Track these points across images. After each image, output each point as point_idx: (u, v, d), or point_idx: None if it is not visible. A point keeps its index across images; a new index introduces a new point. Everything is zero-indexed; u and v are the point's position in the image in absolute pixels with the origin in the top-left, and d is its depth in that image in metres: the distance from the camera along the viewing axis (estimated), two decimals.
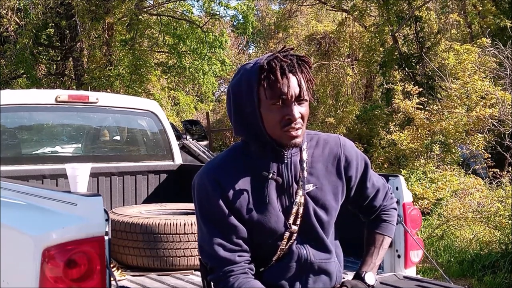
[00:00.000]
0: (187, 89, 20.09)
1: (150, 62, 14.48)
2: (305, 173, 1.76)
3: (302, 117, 1.68)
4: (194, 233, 3.15)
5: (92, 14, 12.30)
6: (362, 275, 1.86)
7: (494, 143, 7.94)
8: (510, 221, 5.68)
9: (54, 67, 16.28)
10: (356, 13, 12.83)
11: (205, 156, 7.70)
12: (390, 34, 11.87)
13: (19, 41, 12.39)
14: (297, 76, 1.65)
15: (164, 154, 4.39)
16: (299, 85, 1.65)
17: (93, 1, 12.32)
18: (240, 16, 15.93)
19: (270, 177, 1.72)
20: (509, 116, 7.73)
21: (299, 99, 1.66)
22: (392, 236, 2.00)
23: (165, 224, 3.16)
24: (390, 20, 11.68)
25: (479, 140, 8.01)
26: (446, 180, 7.29)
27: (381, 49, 12.54)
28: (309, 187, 1.76)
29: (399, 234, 2.83)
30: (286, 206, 1.74)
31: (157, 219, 3.22)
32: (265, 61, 1.65)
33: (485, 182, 7.76)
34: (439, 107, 8.57)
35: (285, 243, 1.75)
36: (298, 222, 1.75)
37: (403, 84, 10.19)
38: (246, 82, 1.68)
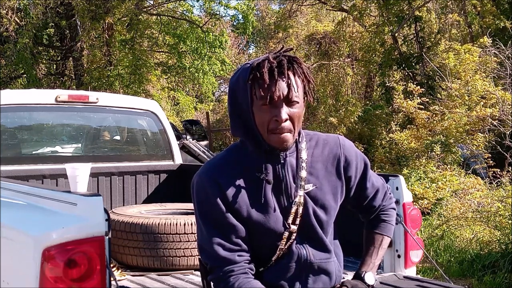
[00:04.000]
0: (187, 89, 20.09)
1: (150, 62, 14.49)
2: (305, 173, 1.76)
3: (292, 119, 1.67)
4: (194, 233, 3.15)
5: (92, 14, 12.30)
6: (362, 275, 1.86)
7: (494, 143, 7.94)
8: (510, 221, 5.68)
9: (54, 67, 16.29)
10: (356, 13, 12.82)
11: (205, 156, 7.69)
12: (390, 34, 11.87)
13: (19, 41, 12.39)
14: (287, 77, 1.65)
15: (164, 154, 4.39)
16: (288, 86, 1.65)
17: (93, 1, 12.32)
18: (240, 16, 15.94)
19: (262, 177, 1.72)
20: (509, 116, 7.73)
21: (288, 100, 1.66)
22: (391, 236, 2.00)
23: (165, 224, 3.16)
24: (390, 20, 11.68)
25: (479, 140, 8.01)
26: (446, 180, 7.29)
27: (381, 49, 12.54)
28: (309, 187, 1.76)
29: (399, 234, 2.83)
30: (285, 206, 1.75)
31: (157, 219, 3.22)
32: (256, 62, 1.67)
33: (485, 182, 7.76)
34: (440, 107, 8.57)
35: (284, 243, 1.75)
36: (297, 222, 1.75)
37: (404, 83, 10.19)
38: (242, 81, 1.70)
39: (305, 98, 1.73)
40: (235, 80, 1.73)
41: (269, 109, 1.65)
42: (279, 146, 1.69)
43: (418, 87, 9.01)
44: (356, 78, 16.96)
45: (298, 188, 1.75)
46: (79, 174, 3.33)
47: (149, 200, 4.13)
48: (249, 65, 1.70)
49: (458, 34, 14.55)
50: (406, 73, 11.74)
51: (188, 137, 8.73)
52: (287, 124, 1.67)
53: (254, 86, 1.66)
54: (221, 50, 15.74)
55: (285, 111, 1.65)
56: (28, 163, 3.78)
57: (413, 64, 11.67)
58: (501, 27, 10.83)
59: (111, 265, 2.69)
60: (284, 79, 1.65)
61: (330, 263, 1.81)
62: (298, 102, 1.68)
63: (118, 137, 4.70)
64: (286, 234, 1.74)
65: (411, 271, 2.89)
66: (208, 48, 14.81)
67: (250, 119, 1.69)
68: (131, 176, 4.12)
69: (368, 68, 14.14)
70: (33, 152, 4.14)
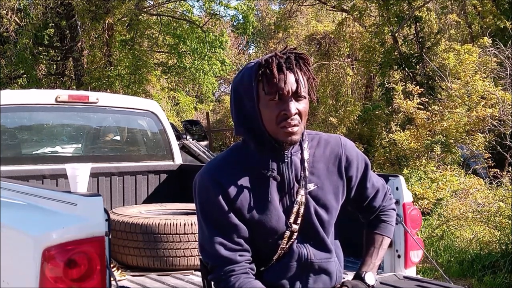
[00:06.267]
0: (187, 89, 20.09)
1: (150, 63, 14.48)
2: (307, 173, 1.76)
3: (300, 114, 1.68)
4: (194, 233, 3.15)
5: (92, 14, 12.31)
6: (362, 275, 1.86)
7: (494, 143, 7.94)
8: (510, 221, 5.68)
9: (54, 67, 16.29)
10: (356, 13, 12.83)
11: (205, 156, 7.71)
12: (390, 34, 11.88)
13: (19, 41, 12.40)
14: (294, 72, 1.66)
15: (164, 154, 4.39)
16: (297, 82, 1.66)
17: (93, 1, 12.32)
18: (240, 16, 15.94)
19: (269, 174, 1.72)
20: (509, 116, 7.73)
21: (296, 95, 1.67)
22: (391, 236, 2.00)
23: (165, 224, 3.16)
24: (390, 20, 11.68)
25: (479, 140, 8.01)
26: (446, 180, 7.29)
27: (381, 49, 12.54)
28: (311, 186, 1.77)
29: (399, 234, 2.83)
30: (287, 205, 1.75)
31: (157, 219, 3.22)
32: (264, 58, 1.67)
33: (485, 182, 7.75)
34: (440, 107, 8.58)
35: (285, 242, 1.75)
36: (298, 221, 1.75)
37: (403, 84, 10.19)
38: (246, 79, 1.70)
39: (309, 96, 1.74)
40: (239, 79, 1.73)
41: (277, 104, 1.66)
42: (287, 140, 1.68)
43: (418, 87, 9.01)
44: (356, 78, 16.97)
45: (300, 187, 1.75)
46: (79, 174, 3.33)
47: (149, 200, 4.13)
48: (253, 63, 1.71)
49: (458, 34, 14.55)
50: (406, 73, 11.74)
51: (188, 137, 8.75)
52: (296, 117, 1.67)
53: (262, 82, 1.66)
54: (221, 50, 15.74)
55: (294, 106, 1.66)
56: (28, 163, 3.78)
57: (413, 64, 11.68)
58: (501, 27, 10.83)
59: (111, 265, 2.69)
60: (292, 74, 1.66)
61: (331, 263, 1.81)
62: (305, 98, 1.69)
63: (118, 137, 4.70)
64: (288, 233, 1.74)
65: (411, 271, 2.89)
66: (208, 48, 14.81)
67: (254, 117, 1.69)
68: (131, 176, 4.12)
69: (368, 68, 14.14)
70: (33, 152, 4.14)
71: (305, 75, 1.69)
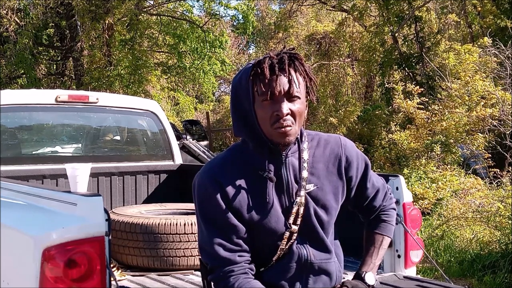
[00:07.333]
0: (187, 89, 20.09)
1: (150, 63, 14.47)
2: (306, 173, 1.76)
3: (293, 114, 1.67)
4: (194, 233, 3.15)
5: (92, 14, 12.30)
6: (362, 275, 1.86)
7: (494, 143, 7.94)
8: (510, 221, 5.68)
9: (54, 67, 16.28)
10: (356, 13, 12.83)
11: (205, 156, 7.69)
12: (390, 34, 11.88)
13: (19, 41, 12.38)
14: (288, 73, 1.66)
15: (164, 154, 4.39)
16: (289, 82, 1.66)
17: (93, 1, 12.31)
18: (240, 16, 15.92)
19: (265, 175, 1.72)
20: (509, 116, 7.74)
21: (289, 95, 1.66)
22: (392, 236, 2.00)
23: (165, 224, 3.16)
24: (390, 20, 11.68)
25: (479, 140, 8.01)
26: (446, 180, 7.29)
27: (381, 49, 12.54)
28: (310, 187, 1.76)
29: (399, 234, 2.83)
30: (286, 206, 1.75)
31: (157, 219, 3.22)
32: (257, 59, 1.68)
33: (485, 182, 7.76)
34: (440, 107, 8.58)
35: (285, 243, 1.75)
36: (298, 222, 1.75)
37: (404, 84, 10.19)
38: (244, 80, 1.70)
39: (307, 96, 1.74)
40: (237, 80, 1.74)
41: (270, 104, 1.66)
42: (281, 141, 1.69)
43: (418, 87, 9.01)
44: (356, 78, 16.98)
45: (300, 188, 1.75)
46: (79, 174, 3.33)
47: (149, 200, 4.13)
48: (251, 64, 1.71)
49: (458, 34, 14.56)
50: (406, 73, 11.75)
51: (188, 137, 8.74)
52: (289, 118, 1.67)
53: (255, 82, 1.67)
54: (221, 50, 15.73)
55: (286, 106, 1.66)
56: (28, 163, 3.78)
57: (413, 64, 11.68)
58: (501, 27, 10.83)
59: (111, 265, 2.69)
60: (285, 74, 1.66)
61: (331, 263, 1.81)
62: (299, 98, 1.68)
63: (118, 137, 4.70)
64: (287, 234, 1.74)
65: (411, 271, 2.89)
66: (208, 48, 14.80)
67: (252, 117, 1.69)
68: (131, 176, 4.12)
69: (368, 68, 14.14)
70: (33, 152, 4.14)
71: (301, 75, 1.69)
